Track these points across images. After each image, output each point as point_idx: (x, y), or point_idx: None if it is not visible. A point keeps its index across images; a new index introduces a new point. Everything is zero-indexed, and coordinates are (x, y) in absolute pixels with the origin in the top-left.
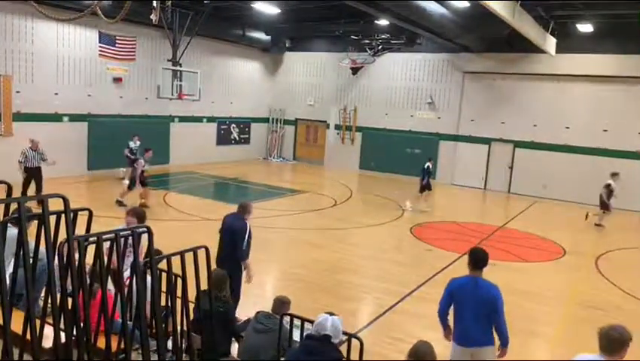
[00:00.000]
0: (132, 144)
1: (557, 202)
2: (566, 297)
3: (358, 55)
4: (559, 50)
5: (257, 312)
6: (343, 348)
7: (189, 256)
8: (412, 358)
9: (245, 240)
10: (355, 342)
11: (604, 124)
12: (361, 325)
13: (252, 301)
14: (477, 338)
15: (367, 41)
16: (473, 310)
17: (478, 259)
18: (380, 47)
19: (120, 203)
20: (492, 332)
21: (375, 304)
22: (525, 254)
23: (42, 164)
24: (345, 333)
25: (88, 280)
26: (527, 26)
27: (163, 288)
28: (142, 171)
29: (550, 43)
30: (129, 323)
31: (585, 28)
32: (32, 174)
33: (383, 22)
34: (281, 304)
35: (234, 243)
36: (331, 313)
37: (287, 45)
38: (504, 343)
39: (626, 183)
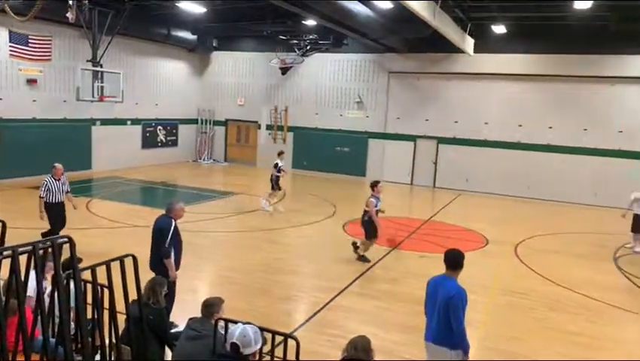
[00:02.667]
0: None
1: (479, 194)
2: (491, 284)
3: (286, 55)
4: (477, 50)
5: (190, 318)
6: (279, 350)
7: (116, 266)
8: (350, 353)
9: (169, 238)
10: (291, 342)
11: (519, 120)
12: (297, 324)
13: (183, 308)
14: (436, 337)
15: (296, 41)
16: (436, 308)
17: (447, 258)
18: (308, 47)
19: None
20: (452, 335)
21: (310, 302)
22: (452, 245)
23: (66, 198)
24: (280, 334)
25: (4, 297)
26: (447, 27)
27: (90, 300)
28: None
29: (469, 43)
30: (51, 339)
31: (499, 29)
32: (55, 213)
33: (311, 22)
34: (207, 307)
35: (160, 243)
36: (248, 323)
37: (214, 45)
38: (463, 348)
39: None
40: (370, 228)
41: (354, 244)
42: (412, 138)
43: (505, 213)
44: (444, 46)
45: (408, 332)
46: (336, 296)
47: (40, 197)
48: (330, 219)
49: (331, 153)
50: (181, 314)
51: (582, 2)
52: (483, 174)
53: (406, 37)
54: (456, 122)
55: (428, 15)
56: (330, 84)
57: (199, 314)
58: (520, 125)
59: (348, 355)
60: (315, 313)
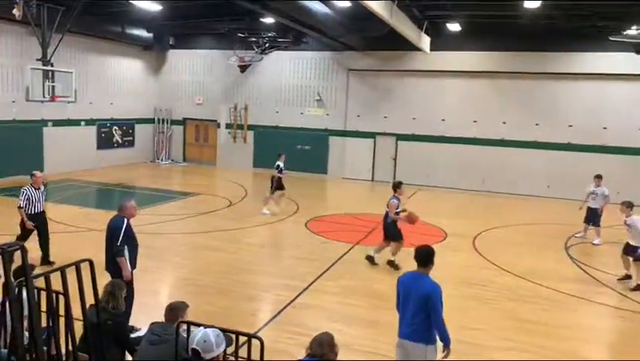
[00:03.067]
0: None
1: (438, 189)
2: (451, 277)
3: (245, 53)
4: (433, 47)
5: (152, 323)
6: (244, 350)
7: (71, 272)
8: (314, 350)
9: (121, 236)
10: (255, 342)
11: (475, 116)
12: (261, 323)
13: (145, 312)
14: (412, 333)
15: (254, 39)
16: (411, 305)
17: (418, 255)
18: (267, 44)
19: None
20: (428, 330)
21: (274, 300)
22: (413, 239)
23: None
24: (244, 334)
25: None
26: (403, 25)
27: (44, 308)
28: None
29: (425, 41)
30: (3, 350)
31: (454, 27)
32: (38, 223)
33: (269, 20)
34: (171, 311)
35: (113, 242)
36: (211, 327)
37: (171, 43)
38: (446, 342)
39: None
40: (394, 230)
41: (369, 258)
42: (372, 135)
43: (463, 206)
44: (402, 44)
45: (371, 326)
46: (300, 294)
47: (19, 207)
48: (293, 218)
49: (292, 151)
50: (143, 318)
51: (531, 2)
52: (441, 169)
53: (365, 35)
54: (414, 118)
55: (385, 13)
56: (290, 82)
57: (161, 318)
58: (475, 121)
59: (312, 352)
60: (279, 312)
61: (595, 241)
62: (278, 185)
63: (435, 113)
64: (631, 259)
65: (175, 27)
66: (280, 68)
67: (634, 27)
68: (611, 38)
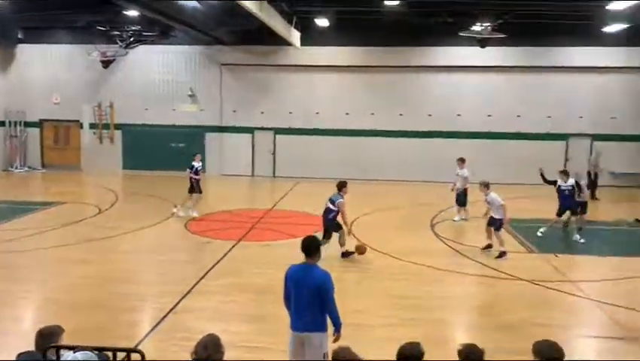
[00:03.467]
0: None
1: (317, 180)
2: (331, 263)
3: (107, 47)
4: (304, 42)
5: (19, 354)
6: None
7: None
8: (200, 354)
9: None
10: (136, 356)
11: (346, 108)
12: (143, 335)
13: (5, 342)
14: (308, 324)
15: (117, 33)
16: (305, 297)
17: (304, 246)
18: (132, 38)
19: None
20: (323, 319)
21: (155, 309)
22: (293, 231)
23: None
24: (121, 350)
25: None
26: (273, 20)
27: None
28: None
29: (295, 36)
30: None
31: (322, 22)
32: None
33: (132, 12)
34: (42, 337)
35: None
36: (83, 348)
37: (19, 36)
38: (337, 327)
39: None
40: (335, 226)
41: (345, 253)
42: (250, 130)
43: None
44: (274, 39)
45: (256, 321)
46: (181, 299)
47: None
48: (172, 220)
49: (166, 150)
50: (5, 348)
51: (390, 1)
52: (319, 161)
53: (235, 29)
54: (291, 112)
55: (255, 7)
56: (160, 77)
57: (29, 347)
58: (347, 114)
59: (198, 356)
60: (161, 320)
61: (456, 218)
62: (196, 187)
63: (310, 106)
64: (492, 229)
65: (24, 19)
66: (148, 63)
67: (478, 24)
68: (460, 34)
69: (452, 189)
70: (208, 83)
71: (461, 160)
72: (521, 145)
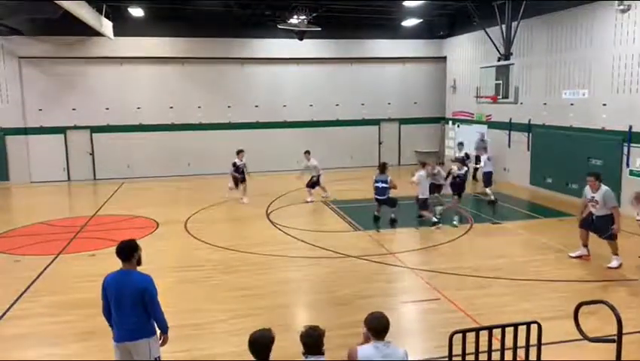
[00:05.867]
0: None
1: (143, 179)
2: (168, 265)
3: None
4: (118, 33)
5: None
6: None
7: None
8: None
9: None
10: None
11: (170, 102)
12: None
13: None
14: (132, 333)
15: None
16: (126, 304)
17: (119, 251)
18: None
19: None
20: (148, 324)
21: None
22: (121, 236)
23: None
24: None
25: None
26: (79, 8)
27: None
28: None
29: (107, 26)
30: None
31: (137, 12)
32: None
33: None
34: None
35: None
36: None
37: None
38: (164, 330)
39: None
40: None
41: None
42: (61, 130)
43: (171, 193)
44: (82, 29)
45: (91, 338)
46: None
47: None
48: None
49: None
50: None
51: None
52: (144, 159)
53: (34, 17)
54: (108, 108)
55: None
56: None
57: None
58: (172, 107)
59: None
60: None
61: (309, 199)
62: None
63: (129, 101)
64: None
65: None
66: None
67: (295, 17)
68: (279, 26)
69: (299, 178)
70: (5, 78)
71: (307, 152)
72: (341, 131)
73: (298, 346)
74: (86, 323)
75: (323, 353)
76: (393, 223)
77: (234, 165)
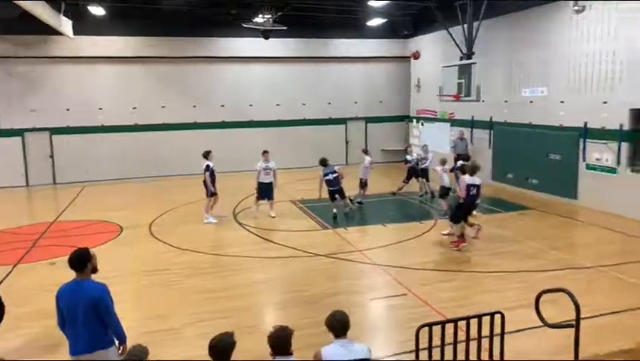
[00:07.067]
0: None
1: (106, 182)
2: (134, 269)
3: None
4: (78, 32)
5: None
6: None
7: None
8: None
9: None
10: None
11: (133, 102)
12: None
13: None
14: (89, 345)
15: None
16: (81, 315)
17: (71, 261)
18: None
19: None
20: (105, 335)
21: None
22: (83, 243)
23: None
24: None
25: None
26: (36, 6)
27: None
28: None
29: (66, 25)
30: None
31: (97, 11)
32: None
33: None
34: None
35: None
36: None
37: None
38: (122, 340)
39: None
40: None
41: None
42: (19, 133)
43: (135, 196)
44: (41, 27)
45: (56, 350)
46: None
47: None
48: None
49: None
50: None
51: None
52: (106, 161)
53: None
54: (68, 110)
55: None
56: None
57: None
58: (135, 108)
59: None
60: None
61: (273, 214)
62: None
63: (91, 102)
64: None
65: None
66: None
67: (260, 16)
68: (244, 25)
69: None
70: None
71: (266, 152)
72: (309, 131)
73: (267, 347)
74: (51, 335)
75: (292, 353)
76: (347, 215)
77: (208, 168)
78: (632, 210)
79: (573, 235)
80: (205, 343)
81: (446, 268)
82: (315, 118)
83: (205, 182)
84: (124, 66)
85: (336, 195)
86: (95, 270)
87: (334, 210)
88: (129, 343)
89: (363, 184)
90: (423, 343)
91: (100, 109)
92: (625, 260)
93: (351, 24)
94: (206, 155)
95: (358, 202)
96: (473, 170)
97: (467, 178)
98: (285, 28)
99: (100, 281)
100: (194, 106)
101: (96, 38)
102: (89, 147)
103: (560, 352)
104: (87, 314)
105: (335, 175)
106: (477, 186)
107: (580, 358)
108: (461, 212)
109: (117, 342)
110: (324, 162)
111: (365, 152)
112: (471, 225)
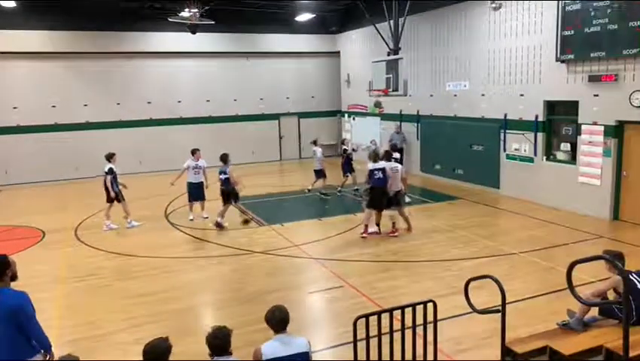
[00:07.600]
0: None
1: (25, 186)
2: (59, 276)
3: None
4: None
5: None
6: None
7: None
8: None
9: None
10: None
11: (53, 100)
12: None
13: None
14: (11, 355)
15: None
16: (1, 326)
17: None
18: None
19: None
20: (26, 345)
21: None
22: (4, 249)
23: None
24: None
25: None
26: None
27: None
28: None
29: None
30: None
31: (8, 4)
32: None
33: None
34: None
35: None
36: None
37: None
38: (47, 347)
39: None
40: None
41: None
42: None
43: (58, 199)
44: None
45: None
46: None
47: None
48: None
49: None
50: None
51: None
52: (24, 163)
53: None
54: None
55: None
56: None
57: None
58: (54, 106)
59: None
60: None
61: (205, 215)
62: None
63: (5, 100)
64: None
65: None
66: None
67: (186, 10)
68: (170, 19)
69: (173, 183)
70: None
71: (197, 151)
72: (240, 127)
73: (206, 348)
74: None
75: (231, 353)
76: (246, 223)
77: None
78: (547, 198)
79: (497, 223)
80: (140, 348)
81: (382, 258)
82: (247, 114)
83: (106, 186)
84: (41, 62)
85: (230, 197)
86: (14, 277)
87: (247, 218)
88: (59, 352)
89: (323, 174)
90: (361, 333)
91: (15, 108)
92: (541, 246)
93: (280, 19)
94: (109, 157)
95: (323, 193)
96: (375, 157)
97: (369, 165)
98: (213, 22)
99: (20, 290)
100: (118, 103)
101: (9, 32)
102: (5, 149)
103: (489, 336)
104: (7, 324)
105: (225, 176)
106: (382, 169)
107: (506, 341)
108: (370, 196)
109: (42, 351)
110: (222, 158)
111: (314, 143)
112: (393, 220)
